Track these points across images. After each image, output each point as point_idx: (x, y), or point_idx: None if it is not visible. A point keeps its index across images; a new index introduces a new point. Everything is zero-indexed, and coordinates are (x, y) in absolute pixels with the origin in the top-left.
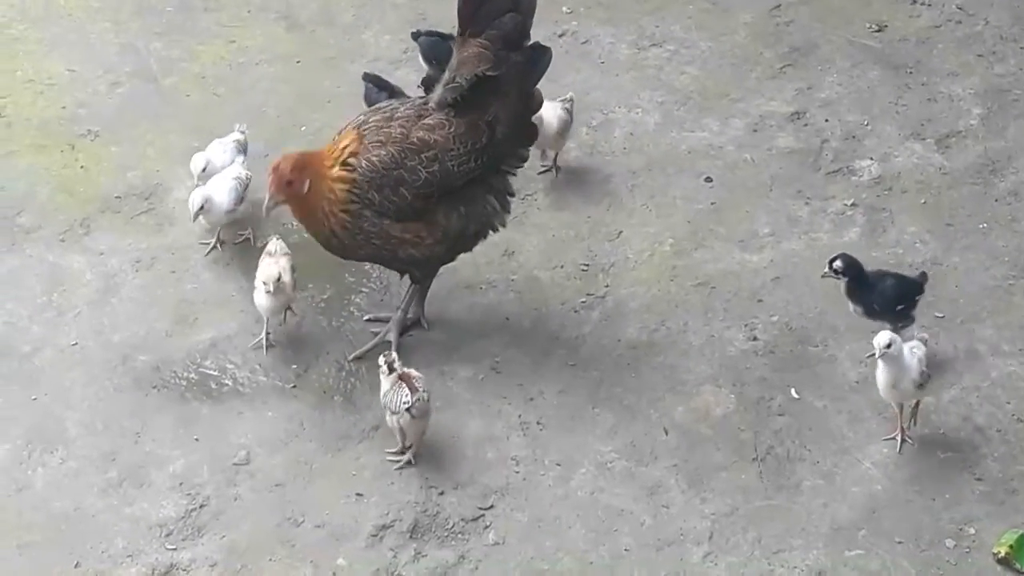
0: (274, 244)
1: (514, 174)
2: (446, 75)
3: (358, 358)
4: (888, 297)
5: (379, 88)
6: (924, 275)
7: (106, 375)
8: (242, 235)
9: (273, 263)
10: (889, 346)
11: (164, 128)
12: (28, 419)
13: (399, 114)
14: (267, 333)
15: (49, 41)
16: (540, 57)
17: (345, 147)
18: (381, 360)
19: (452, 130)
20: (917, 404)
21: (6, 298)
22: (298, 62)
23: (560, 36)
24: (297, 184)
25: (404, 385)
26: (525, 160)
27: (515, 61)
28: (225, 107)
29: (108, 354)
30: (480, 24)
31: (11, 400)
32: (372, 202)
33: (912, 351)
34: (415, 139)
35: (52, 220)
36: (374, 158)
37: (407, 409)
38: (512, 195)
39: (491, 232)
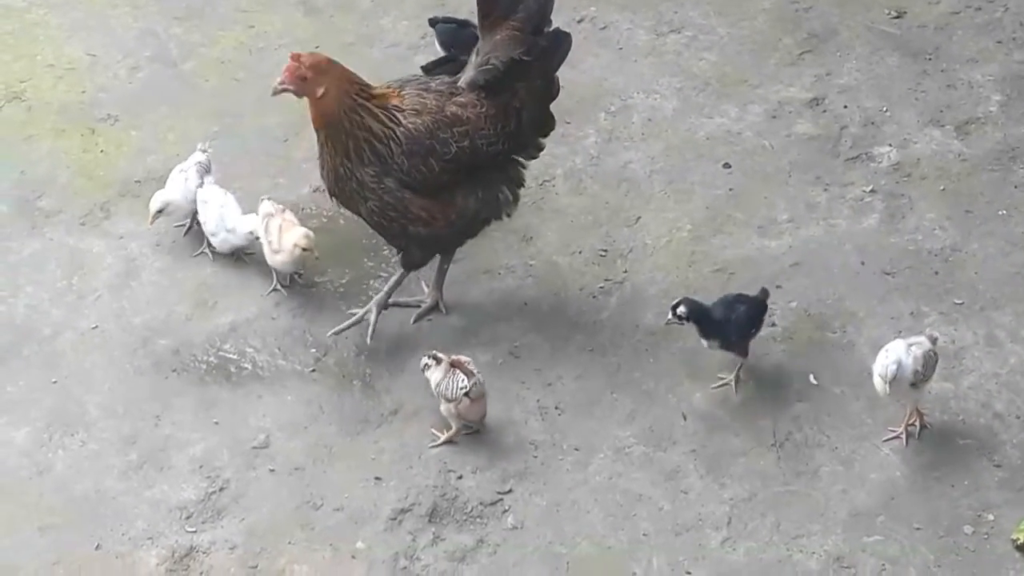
0: (270, 205)
1: (526, 166)
2: (476, 57)
3: (336, 334)
4: (743, 324)
5: (460, 26)
6: (765, 291)
7: (126, 358)
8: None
9: (290, 229)
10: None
11: (183, 113)
12: (49, 402)
13: (433, 88)
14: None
15: (69, 26)
16: (561, 42)
17: (389, 96)
18: (424, 359)
19: (483, 110)
20: (920, 414)
21: (27, 281)
22: (317, 47)
23: (579, 22)
24: (311, 84)
25: (458, 371)
26: (542, 149)
27: (542, 46)
28: (244, 92)
29: (128, 337)
30: (504, 8)
31: (32, 383)
32: (401, 169)
33: (909, 349)
34: (449, 113)
35: (72, 204)
36: (410, 125)
37: (465, 393)
38: (523, 186)
39: (495, 220)
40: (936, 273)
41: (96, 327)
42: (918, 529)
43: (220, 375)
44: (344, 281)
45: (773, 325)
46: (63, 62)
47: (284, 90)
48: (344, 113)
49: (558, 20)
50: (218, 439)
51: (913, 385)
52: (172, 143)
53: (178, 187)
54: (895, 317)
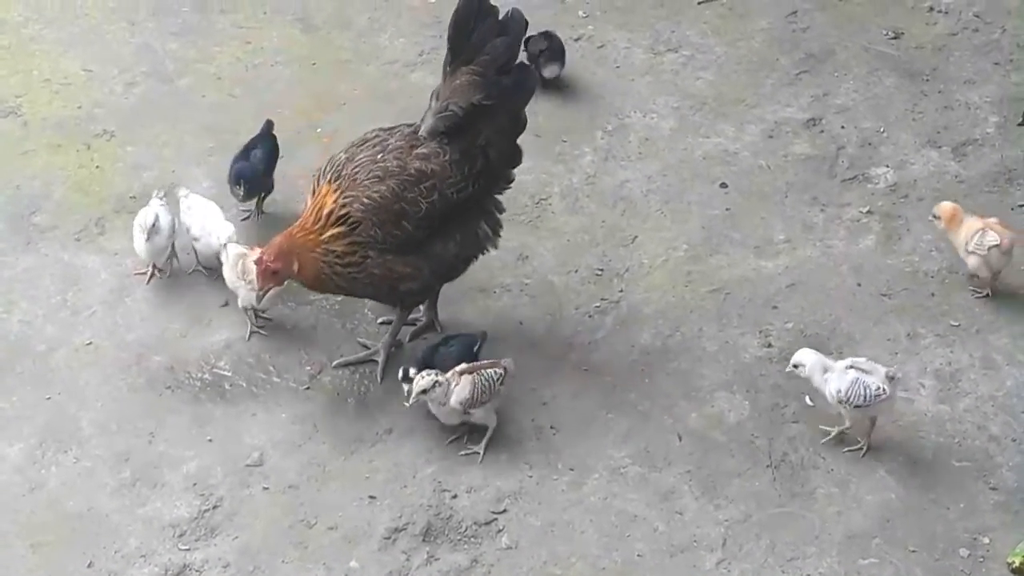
0: (240, 247)
1: (501, 193)
2: (435, 103)
3: (341, 366)
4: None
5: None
6: (484, 334)
7: (120, 375)
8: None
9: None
10: (796, 367)
11: (180, 129)
12: (42, 418)
13: (391, 145)
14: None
15: (65, 41)
16: (527, 79)
17: (329, 206)
18: (433, 378)
19: (447, 158)
20: (872, 424)
21: (21, 297)
22: (314, 64)
23: (576, 40)
24: (284, 270)
25: (484, 371)
26: (512, 181)
27: (505, 85)
28: (241, 108)
29: (122, 354)
30: (472, 50)
31: (25, 399)
32: (376, 239)
33: (847, 371)
34: (412, 170)
35: (67, 220)
36: (374, 194)
37: (501, 383)
38: (502, 212)
39: (481, 255)
40: (933, 295)
41: (90, 343)
42: (913, 552)
43: (214, 392)
44: (339, 299)
45: (769, 346)
46: (59, 77)
47: (267, 291)
48: (323, 264)
49: None
50: (212, 457)
51: (840, 403)
52: (168, 159)
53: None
54: (891, 339)
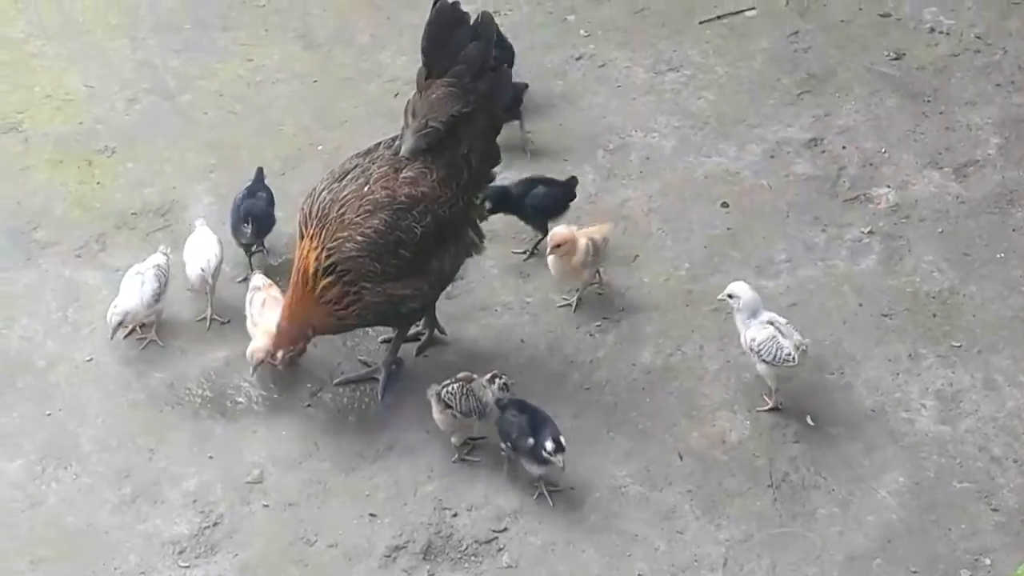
0: (259, 279)
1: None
2: (413, 122)
3: (342, 383)
4: None
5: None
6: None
7: (121, 391)
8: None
9: (274, 309)
10: (730, 296)
11: (181, 145)
12: (42, 434)
13: (375, 174)
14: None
15: (67, 57)
16: (501, 79)
17: (312, 264)
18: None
19: (434, 177)
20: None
21: (22, 313)
22: (315, 81)
23: (577, 59)
24: (304, 343)
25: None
26: (493, 180)
27: (482, 91)
28: (242, 125)
29: (123, 370)
30: (447, 60)
31: (26, 415)
32: (374, 273)
33: (766, 324)
34: (403, 197)
35: (68, 236)
36: (368, 230)
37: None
38: (484, 219)
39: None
40: (934, 316)
41: (91, 359)
42: (915, 573)
43: (215, 409)
44: None
45: None
46: (61, 93)
47: (292, 362)
48: (329, 316)
49: (556, 58)
50: (212, 473)
51: (752, 351)
52: (169, 175)
53: (135, 293)
54: (892, 359)
